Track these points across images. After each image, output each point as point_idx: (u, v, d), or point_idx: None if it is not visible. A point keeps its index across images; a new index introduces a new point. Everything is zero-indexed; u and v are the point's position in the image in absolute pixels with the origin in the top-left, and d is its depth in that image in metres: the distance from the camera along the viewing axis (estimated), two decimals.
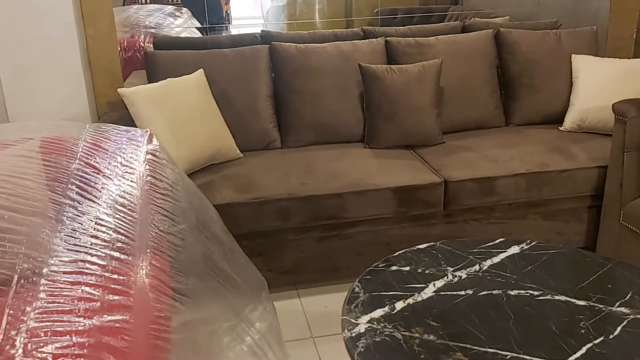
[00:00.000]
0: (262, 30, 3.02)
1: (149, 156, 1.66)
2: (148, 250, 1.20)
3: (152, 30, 4.92)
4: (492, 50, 2.99)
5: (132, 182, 1.47)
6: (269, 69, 2.77)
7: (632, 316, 1.43)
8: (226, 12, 7.05)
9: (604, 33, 3.42)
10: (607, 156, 2.46)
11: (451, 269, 1.66)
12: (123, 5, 6.33)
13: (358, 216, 2.37)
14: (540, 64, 2.95)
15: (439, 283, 1.59)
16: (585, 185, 2.52)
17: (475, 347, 1.32)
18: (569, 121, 2.86)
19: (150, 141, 1.75)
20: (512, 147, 2.65)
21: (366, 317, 1.45)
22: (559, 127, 2.91)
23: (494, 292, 1.55)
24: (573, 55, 2.95)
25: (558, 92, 2.95)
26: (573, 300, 1.50)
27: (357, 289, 1.58)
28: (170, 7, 5.55)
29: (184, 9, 6.04)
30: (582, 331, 1.37)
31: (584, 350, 1.30)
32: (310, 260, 2.42)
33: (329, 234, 2.40)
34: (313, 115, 2.74)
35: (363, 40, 2.91)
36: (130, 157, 1.55)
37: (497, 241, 1.83)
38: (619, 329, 1.38)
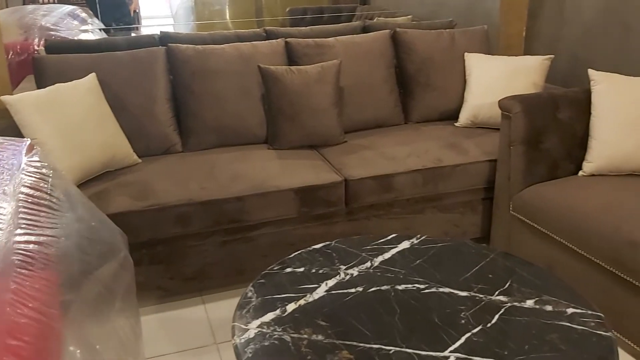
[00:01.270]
0: (160, 32, 2.95)
1: (28, 167, 1.58)
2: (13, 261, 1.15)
3: (51, 32, 4.69)
4: (390, 50, 3.07)
5: (4, 194, 1.39)
6: (166, 72, 2.71)
7: (509, 304, 1.51)
8: (134, 11, 6.82)
9: (497, 31, 3.59)
10: (497, 150, 2.58)
11: (344, 268, 1.69)
12: (23, 4, 5.98)
13: (261, 218, 2.36)
14: (435, 63, 3.06)
15: (331, 282, 1.62)
16: (478, 178, 2.64)
17: (361, 344, 1.35)
18: (464, 117, 2.98)
19: (29, 151, 1.67)
20: (409, 144, 2.73)
21: (256, 322, 1.45)
22: (455, 124, 3.03)
23: (383, 287, 1.59)
24: (466, 54, 3.08)
25: (453, 90, 3.07)
26: (456, 291, 1.57)
27: (249, 294, 1.57)
28: (69, 6, 5.30)
29: (86, 8, 5.79)
30: (463, 321, 1.43)
31: (462, 340, 1.36)
32: (214, 266, 2.39)
33: (232, 237, 2.38)
34: (214, 117, 2.70)
35: (263, 42, 2.90)
36: (3, 169, 1.47)
37: (389, 237, 1.88)
38: (496, 317, 1.45)
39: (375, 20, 4.51)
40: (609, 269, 1.99)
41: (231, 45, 2.83)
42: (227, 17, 6.60)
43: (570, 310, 1.47)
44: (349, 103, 2.91)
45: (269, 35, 3.04)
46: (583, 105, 2.44)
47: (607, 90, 2.34)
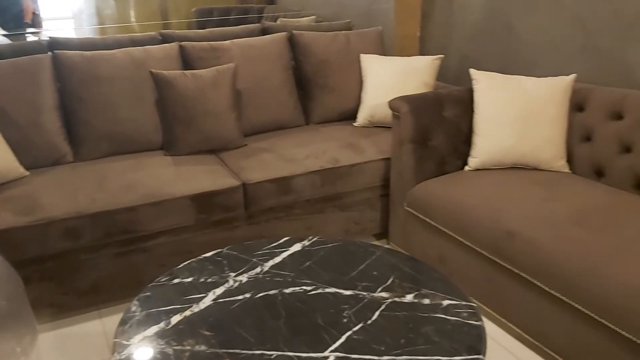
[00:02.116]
0: (49, 37, 2.82)
1: None
2: None
3: None
4: (287, 53, 3.10)
5: None
6: (52, 79, 2.60)
7: (390, 300, 1.57)
8: (33, 13, 6.45)
9: (392, 33, 3.70)
10: (390, 149, 2.67)
11: (233, 275, 1.70)
12: None
13: (156, 228, 2.32)
14: (332, 65, 3.12)
15: (219, 291, 1.62)
16: (375, 176, 2.72)
17: (244, 351, 1.37)
18: (361, 117, 3.05)
19: None
20: (308, 146, 2.77)
21: (139, 337, 1.42)
22: (354, 123, 3.10)
23: (271, 292, 1.61)
24: (361, 55, 3.15)
25: (350, 91, 3.14)
26: (341, 291, 1.61)
27: (134, 308, 1.55)
28: None
29: None
30: (345, 320, 1.48)
31: (343, 339, 1.41)
32: (110, 278, 2.32)
33: (127, 248, 2.32)
34: (106, 125, 2.63)
35: (156, 46, 2.85)
36: None
37: (281, 240, 1.90)
38: (377, 313, 1.50)
39: (277, 21, 4.53)
40: (491, 258, 2.11)
41: (122, 50, 2.75)
42: (133, 19, 6.40)
43: (445, 302, 1.55)
44: (247, 106, 2.91)
45: (164, 39, 2.98)
46: (466, 103, 2.56)
47: (487, 88, 2.47)
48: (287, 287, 1.63)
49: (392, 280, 1.66)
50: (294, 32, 3.16)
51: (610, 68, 2.55)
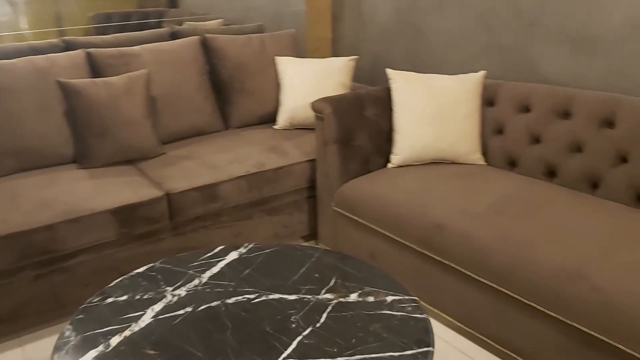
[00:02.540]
0: None
1: None
2: None
3: None
4: (201, 57, 3.03)
5: None
6: None
7: (335, 301, 1.57)
8: None
9: (305, 35, 3.72)
10: (315, 150, 2.68)
11: (170, 289, 1.63)
12: None
13: (77, 245, 2.19)
14: (248, 68, 3.08)
15: (158, 307, 1.55)
16: (301, 178, 2.72)
17: None
18: (281, 120, 3.04)
19: None
20: (231, 151, 2.72)
21: None
22: (274, 126, 3.08)
23: (213, 304, 1.56)
24: (276, 58, 3.14)
25: (268, 93, 3.12)
26: (286, 296, 1.59)
27: (67, 333, 1.45)
28: None
29: None
30: (293, 325, 1.46)
31: (294, 344, 1.39)
32: (30, 303, 2.16)
33: (46, 270, 2.17)
34: (9, 140, 2.44)
35: (60, 54, 2.68)
36: None
37: (216, 250, 1.85)
38: (324, 316, 1.50)
39: (184, 25, 4.41)
40: (421, 251, 2.18)
41: (24, 59, 2.57)
42: (26, 27, 5.99)
43: (389, 298, 1.58)
44: (163, 113, 2.81)
45: (68, 46, 2.82)
46: (385, 102, 2.63)
47: (404, 87, 2.54)
48: (229, 297, 1.59)
49: (335, 281, 1.66)
50: (207, 35, 3.10)
51: (515, 64, 2.71)
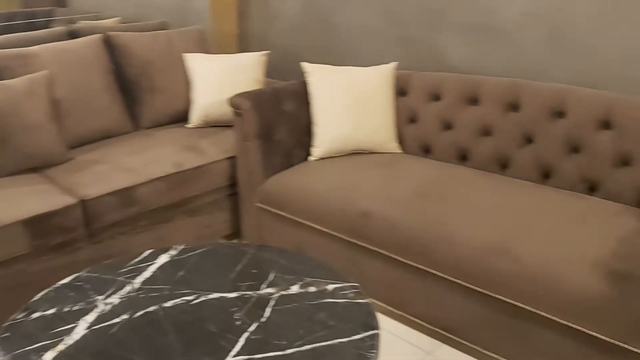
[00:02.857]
0: None
1: None
2: None
3: None
4: (105, 56, 2.89)
5: None
6: None
7: (277, 294, 1.56)
8: None
9: (211, 31, 3.65)
10: (234, 147, 2.64)
11: (102, 298, 1.55)
12: None
13: None
14: (156, 66, 2.98)
15: (91, 317, 1.47)
16: (221, 177, 2.67)
17: None
18: (195, 118, 2.97)
19: None
20: (145, 152, 2.62)
21: None
22: (187, 125, 3.00)
23: (150, 309, 1.50)
24: (185, 55, 3.06)
25: (179, 91, 3.03)
26: (225, 294, 1.56)
27: None
28: None
29: None
30: (238, 323, 1.44)
31: (242, 341, 1.37)
32: None
33: None
34: None
35: None
36: None
37: (145, 254, 1.78)
38: (268, 310, 1.49)
39: (80, 24, 4.18)
40: (349, 239, 2.21)
41: None
42: None
43: (331, 287, 1.59)
44: (68, 116, 2.65)
45: None
46: (303, 96, 2.64)
47: (320, 80, 2.57)
48: (166, 301, 1.53)
49: (274, 275, 1.65)
50: (110, 33, 2.96)
51: (424, 55, 2.82)
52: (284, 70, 3.49)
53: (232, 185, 2.73)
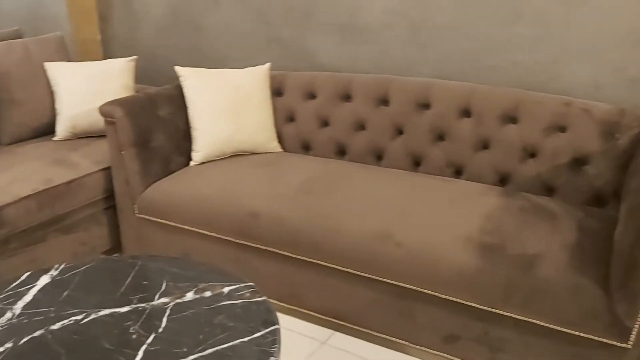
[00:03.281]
0: None
1: None
2: None
3: None
4: None
5: None
6: None
7: (172, 303, 1.54)
8: None
9: (70, 38, 3.46)
10: (108, 157, 2.54)
11: None
12: None
13: None
14: (15, 77, 2.78)
15: None
16: (95, 190, 2.55)
17: None
18: (61, 130, 2.81)
19: None
20: (9, 170, 2.43)
21: None
22: (53, 138, 2.83)
23: (36, 334, 1.41)
24: (46, 64, 2.88)
25: (42, 103, 2.85)
26: (117, 309, 1.51)
27: None
28: None
29: None
30: (134, 336, 1.40)
31: (140, 354, 1.34)
32: None
33: None
34: None
35: None
36: None
37: (23, 277, 1.67)
38: (164, 320, 1.46)
39: None
40: (238, 241, 2.22)
41: None
42: None
43: (226, 289, 1.60)
44: None
45: None
46: (179, 100, 2.60)
47: (196, 84, 2.54)
48: (53, 324, 1.45)
49: (167, 284, 1.62)
50: None
51: (295, 55, 2.89)
52: (154, 76, 3.40)
53: (109, 197, 2.61)
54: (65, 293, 1.58)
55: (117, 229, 2.67)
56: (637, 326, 1.60)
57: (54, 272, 1.69)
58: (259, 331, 1.42)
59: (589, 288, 1.65)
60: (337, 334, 2.19)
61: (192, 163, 2.56)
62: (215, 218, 2.23)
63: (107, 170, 2.56)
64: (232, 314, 1.49)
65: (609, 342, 1.64)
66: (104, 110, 2.40)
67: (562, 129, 2.17)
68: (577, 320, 1.66)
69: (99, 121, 2.79)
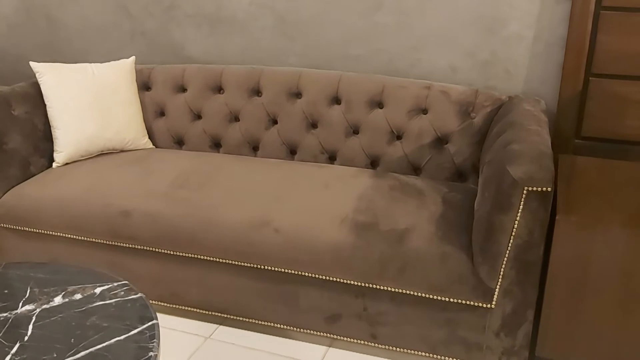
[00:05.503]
0: None
1: None
2: None
3: None
4: None
5: None
6: None
7: (38, 309, 1.44)
8: None
9: None
10: None
11: None
12: None
13: None
14: None
15: None
16: None
17: None
18: None
19: None
20: None
21: None
22: None
23: None
24: None
25: None
26: None
27: None
28: None
29: None
30: None
31: None
32: None
33: None
34: None
35: None
36: None
37: None
38: (30, 328, 1.37)
39: None
40: (110, 242, 2.12)
41: None
42: None
43: (98, 290, 1.52)
44: None
45: None
46: (35, 98, 2.43)
47: (54, 80, 2.39)
48: None
49: (31, 291, 1.51)
50: None
51: (161, 48, 2.80)
52: (6, 75, 3.15)
53: None
54: None
55: None
56: (498, 287, 1.74)
57: None
58: (136, 328, 1.37)
59: (455, 255, 1.77)
60: (221, 327, 2.17)
61: (54, 164, 2.41)
62: (84, 220, 2.12)
63: None
64: (105, 314, 1.42)
65: (475, 304, 1.78)
66: None
67: (424, 111, 2.30)
68: (446, 286, 1.77)
69: None
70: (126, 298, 1.49)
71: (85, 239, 2.16)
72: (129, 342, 1.32)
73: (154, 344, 1.32)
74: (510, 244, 1.68)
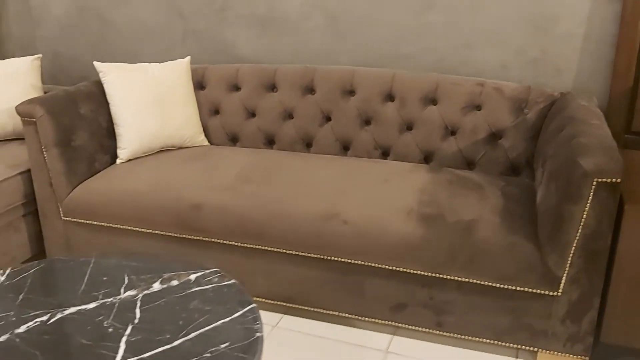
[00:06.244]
0: None
1: None
2: None
3: None
4: None
5: None
6: None
7: (141, 294, 1.52)
8: None
9: None
10: (26, 160, 2.40)
11: None
12: None
13: None
14: None
15: None
16: (12, 196, 2.39)
17: None
18: None
19: None
20: None
21: None
22: None
23: (2, 338, 1.34)
24: None
25: None
26: (83, 307, 1.47)
27: None
28: None
29: None
30: (110, 330, 1.37)
31: (122, 345, 1.31)
32: None
33: None
34: None
35: None
36: None
37: None
38: (137, 311, 1.44)
39: None
40: (180, 235, 2.20)
41: None
42: None
43: (193, 277, 1.60)
44: None
45: None
46: (99, 97, 2.51)
47: (117, 79, 2.47)
48: (17, 327, 1.38)
49: (129, 278, 1.59)
50: None
51: (214, 49, 2.88)
52: (59, 75, 3.23)
53: (28, 202, 2.47)
54: (21, 296, 1.51)
55: (39, 236, 2.52)
56: (565, 275, 1.81)
57: (1, 278, 1.59)
58: (237, 311, 1.45)
59: (522, 245, 1.84)
60: (286, 316, 2.25)
61: (118, 161, 2.49)
62: (154, 213, 2.19)
63: (25, 174, 2.42)
64: (205, 298, 1.50)
65: (542, 292, 1.85)
66: (22, 110, 2.27)
67: (478, 107, 2.37)
68: (514, 275, 1.84)
69: (6, 124, 2.63)
70: (222, 284, 1.57)
71: (154, 231, 2.24)
72: (235, 324, 1.40)
73: (258, 325, 1.40)
74: (578, 234, 1.75)
